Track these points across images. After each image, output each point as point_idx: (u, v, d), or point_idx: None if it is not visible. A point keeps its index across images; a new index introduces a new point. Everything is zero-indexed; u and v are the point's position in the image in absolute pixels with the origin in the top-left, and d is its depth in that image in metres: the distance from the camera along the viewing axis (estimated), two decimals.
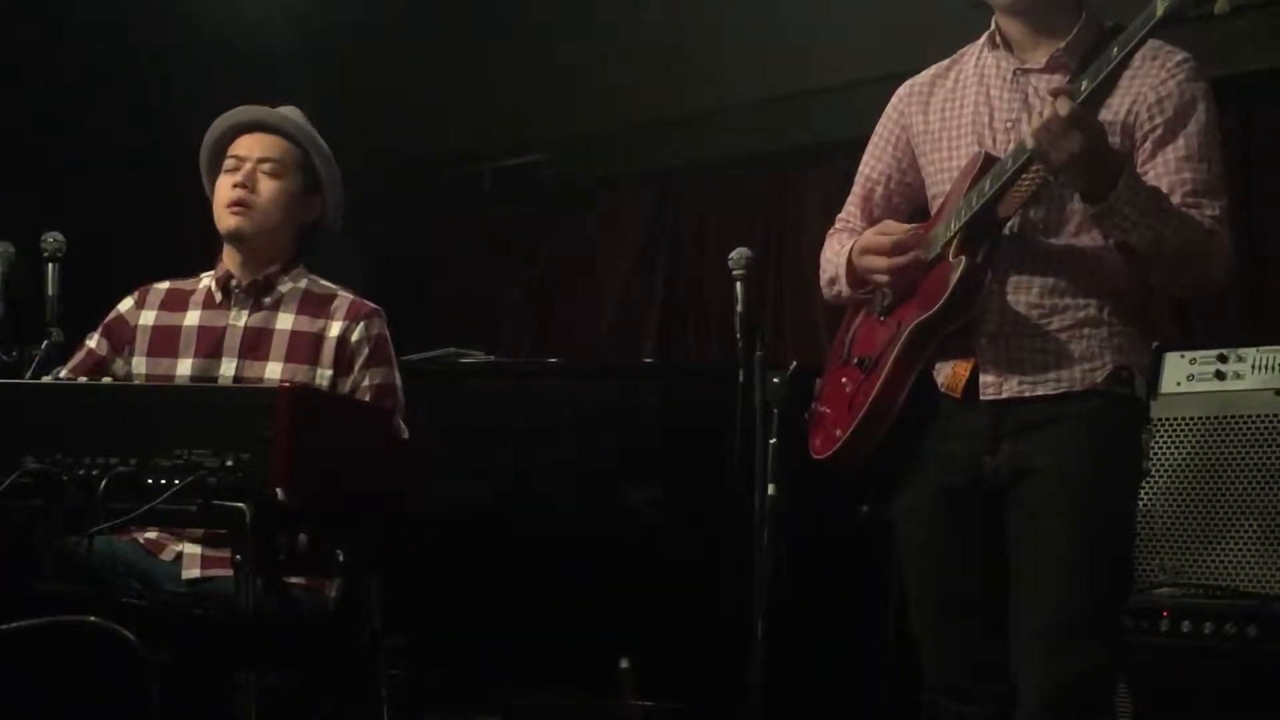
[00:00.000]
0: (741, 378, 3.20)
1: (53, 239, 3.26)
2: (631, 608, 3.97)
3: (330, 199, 3.21)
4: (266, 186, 3.12)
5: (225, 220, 3.12)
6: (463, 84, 5.81)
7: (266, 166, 3.12)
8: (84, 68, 5.47)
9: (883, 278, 2.65)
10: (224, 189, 3.13)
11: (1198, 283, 2.54)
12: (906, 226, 2.64)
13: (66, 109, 5.52)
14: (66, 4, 5.33)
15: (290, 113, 3.22)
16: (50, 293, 3.23)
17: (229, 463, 2.37)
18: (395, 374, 3.15)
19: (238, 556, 2.42)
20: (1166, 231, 2.41)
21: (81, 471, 2.41)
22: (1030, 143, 2.37)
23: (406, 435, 3.08)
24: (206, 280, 3.21)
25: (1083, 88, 2.37)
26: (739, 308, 3.22)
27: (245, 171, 3.11)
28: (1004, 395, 2.54)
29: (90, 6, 5.34)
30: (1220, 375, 3.29)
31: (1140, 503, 3.22)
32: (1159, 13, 2.25)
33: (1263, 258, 4.26)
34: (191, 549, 2.98)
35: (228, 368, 3.06)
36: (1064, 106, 2.32)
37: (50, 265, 3.26)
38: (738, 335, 3.22)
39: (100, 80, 5.49)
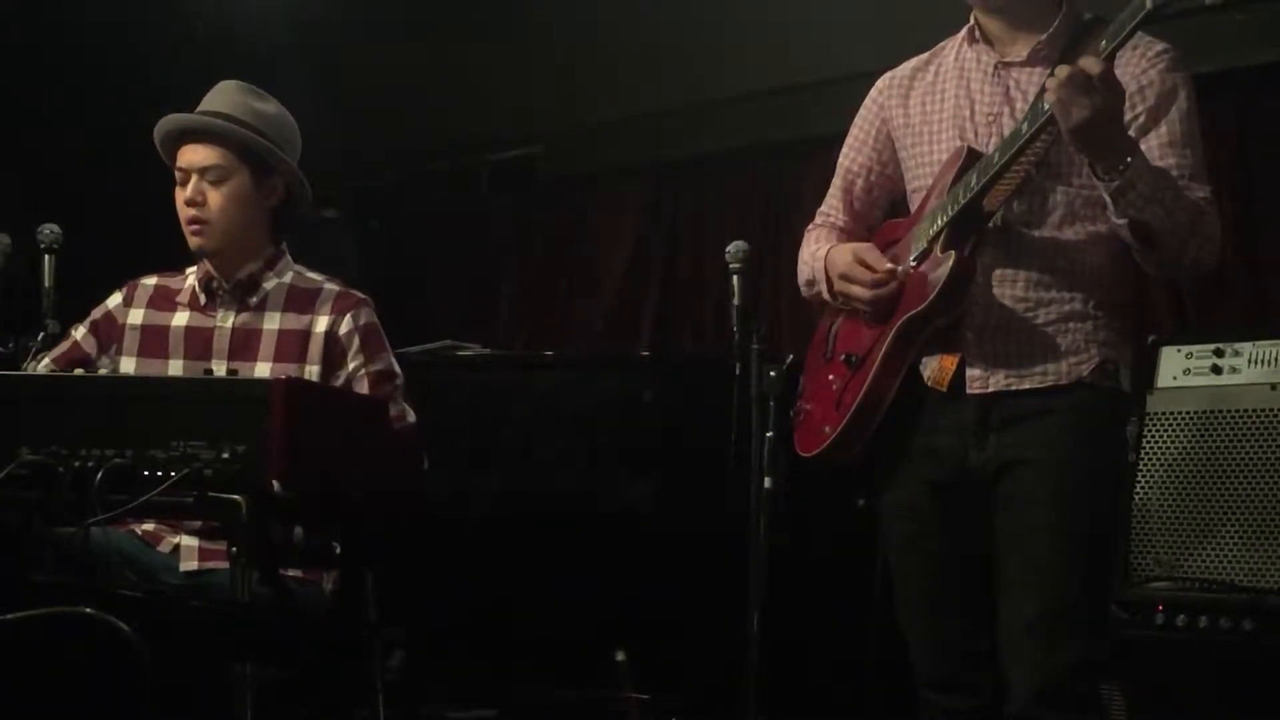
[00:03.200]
0: (738, 371, 3.21)
1: (49, 230, 3.26)
2: (628, 600, 3.97)
3: (288, 176, 3.15)
4: (215, 197, 3.07)
5: (189, 239, 3.10)
6: (459, 77, 5.81)
7: (210, 176, 3.06)
8: (81, 61, 5.47)
9: (864, 307, 2.65)
10: (179, 206, 3.10)
11: (1193, 265, 2.52)
12: (887, 265, 2.62)
13: (63, 102, 5.51)
14: None
15: (224, 99, 3.13)
16: (46, 284, 3.23)
17: (225, 455, 2.37)
18: (390, 359, 3.13)
19: (234, 549, 2.43)
20: (1176, 210, 2.41)
21: (78, 463, 2.41)
22: (1051, 97, 2.33)
23: (413, 418, 3.07)
24: (192, 278, 3.19)
25: None
26: (736, 300, 3.23)
27: (193, 186, 3.06)
28: (991, 389, 2.55)
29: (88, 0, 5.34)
30: (1216, 369, 3.29)
31: (1135, 496, 3.23)
32: (1148, 5, 2.25)
33: (1259, 252, 4.26)
34: (188, 541, 2.98)
35: (217, 369, 3.05)
36: (1093, 65, 2.29)
37: (46, 257, 3.26)
38: (734, 328, 3.23)
39: (97, 73, 5.48)
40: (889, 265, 2.62)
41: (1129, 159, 2.37)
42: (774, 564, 3.10)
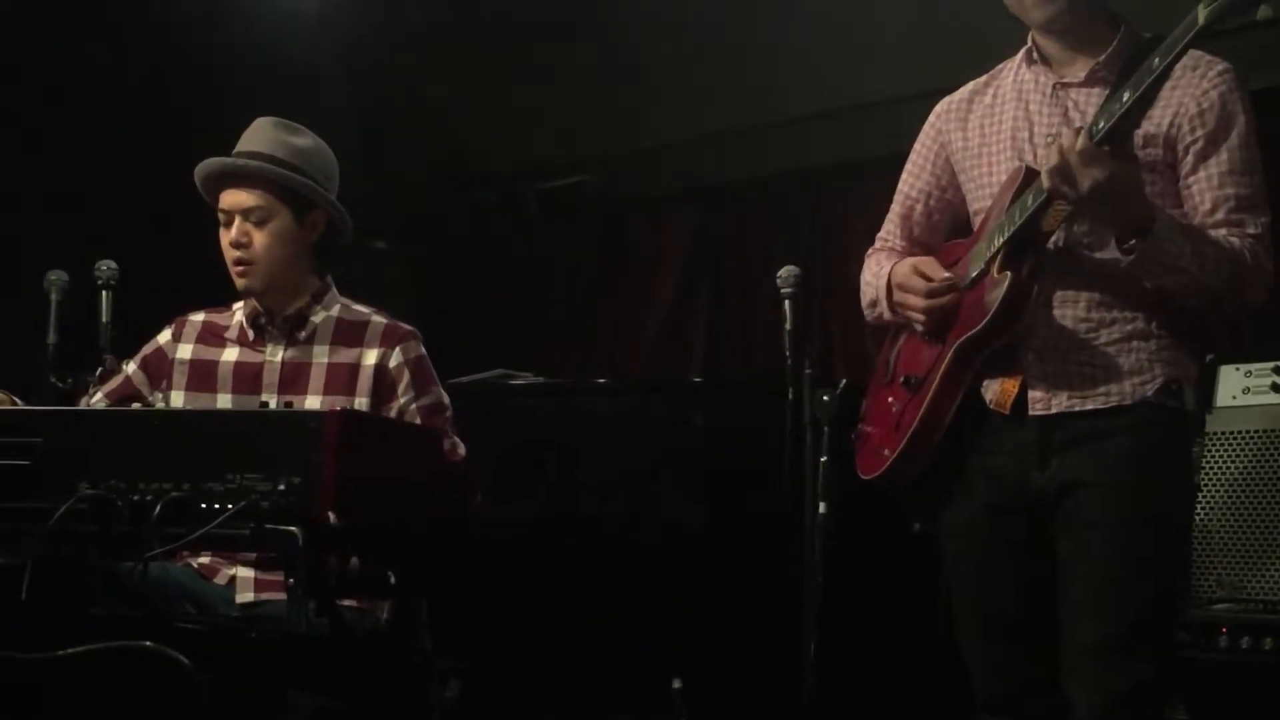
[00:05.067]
0: (790, 395, 3.20)
1: (106, 267, 3.30)
2: (682, 627, 3.96)
3: (328, 209, 3.16)
4: (260, 238, 3.09)
5: (235, 280, 3.13)
6: (507, 105, 5.83)
7: (253, 217, 3.08)
8: (135, 98, 5.53)
9: (918, 316, 2.64)
10: (225, 248, 3.12)
11: (1237, 306, 2.54)
12: (945, 275, 2.63)
13: (117, 137, 5.57)
14: (113, 32, 5.38)
15: (260, 138, 3.14)
16: (103, 320, 3.26)
17: (281, 487, 2.38)
18: (440, 391, 3.14)
19: (290, 580, 2.43)
20: (1202, 273, 2.42)
21: (136, 497, 2.42)
22: (1046, 182, 2.38)
23: (464, 450, 3.08)
24: (239, 314, 3.21)
25: (1124, 99, 2.36)
26: (787, 325, 3.22)
27: (237, 228, 3.09)
28: (1053, 410, 2.53)
29: (139, 34, 5.40)
30: (1277, 388, 3.26)
31: (1197, 517, 3.20)
32: (1201, 20, 2.24)
33: None
34: (244, 572, 2.99)
35: (268, 404, 3.06)
36: (1079, 143, 2.33)
37: (103, 293, 3.29)
38: (786, 353, 3.22)
39: (150, 107, 5.54)
40: (946, 274, 2.62)
41: (1148, 230, 2.38)
42: (829, 589, 3.08)
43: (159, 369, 3.18)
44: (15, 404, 2.88)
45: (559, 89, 5.72)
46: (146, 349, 3.22)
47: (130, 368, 3.19)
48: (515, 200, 6.10)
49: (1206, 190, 2.49)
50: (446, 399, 3.15)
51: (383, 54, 5.78)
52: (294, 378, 3.10)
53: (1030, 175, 2.54)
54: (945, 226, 2.83)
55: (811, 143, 5.29)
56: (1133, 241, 2.41)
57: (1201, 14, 2.24)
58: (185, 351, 3.18)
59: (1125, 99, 2.36)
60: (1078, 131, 2.37)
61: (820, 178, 5.36)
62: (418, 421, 3.06)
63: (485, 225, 6.22)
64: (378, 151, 5.62)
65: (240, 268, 3.10)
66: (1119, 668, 2.46)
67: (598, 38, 5.65)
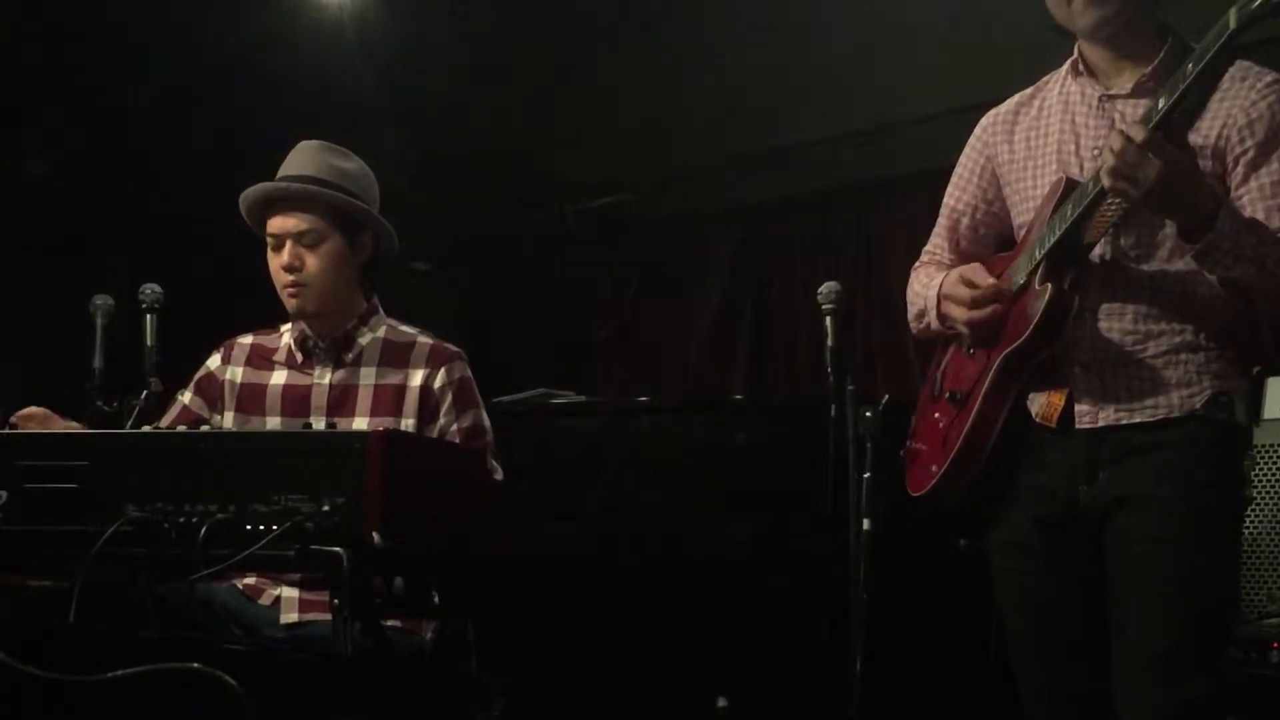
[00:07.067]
0: (833, 412, 3.19)
1: (150, 290, 3.31)
2: (728, 644, 3.94)
3: (378, 231, 3.17)
4: (313, 261, 3.09)
5: (287, 302, 3.13)
6: (547, 126, 5.86)
7: (305, 240, 3.09)
8: (179, 121, 5.58)
9: (962, 328, 2.63)
10: (275, 271, 3.12)
11: None
12: (991, 281, 2.61)
13: (162, 161, 5.63)
14: (159, 58, 5.44)
15: (308, 161, 3.15)
16: (148, 343, 3.27)
17: (325, 507, 2.38)
18: (483, 415, 3.14)
19: (335, 601, 2.43)
20: (1268, 262, 2.38)
21: (182, 519, 2.43)
22: (1107, 181, 2.35)
23: (500, 475, 3.08)
24: (287, 336, 3.22)
25: (1160, 106, 2.34)
26: (829, 341, 3.21)
27: (289, 251, 3.09)
28: (1100, 424, 2.51)
29: (183, 60, 5.46)
30: None
31: (1246, 531, 3.16)
32: (1232, 24, 2.22)
33: None
34: (289, 593, 3.00)
35: (316, 425, 3.06)
36: (1138, 133, 2.30)
37: (148, 316, 3.30)
38: (828, 369, 3.21)
39: (194, 132, 5.59)
40: (992, 280, 2.60)
41: (1213, 219, 2.35)
42: (874, 607, 3.07)
43: (212, 391, 3.20)
44: None
45: (599, 109, 5.74)
46: (198, 375, 3.23)
47: (186, 396, 3.21)
48: (556, 220, 6.12)
49: (1259, 200, 2.46)
50: (488, 423, 3.15)
51: (423, 77, 5.81)
52: (342, 400, 3.11)
53: (1070, 186, 2.53)
54: (991, 240, 2.81)
55: (851, 159, 5.29)
56: (1205, 226, 2.36)
57: (1233, 18, 2.22)
58: (235, 374, 3.20)
59: (1161, 106, 2.34)
60: (1123, 133, 2.34)
61: (860, 194, 5.36)
62: (457, 443, 3.06)
63: (527, 245, 6.25)
64: (419, 173, 5.65)
65: (293, 289, 3.10)
66: (1172, 684, 2.43)
67: (637, 59, 5.68)
